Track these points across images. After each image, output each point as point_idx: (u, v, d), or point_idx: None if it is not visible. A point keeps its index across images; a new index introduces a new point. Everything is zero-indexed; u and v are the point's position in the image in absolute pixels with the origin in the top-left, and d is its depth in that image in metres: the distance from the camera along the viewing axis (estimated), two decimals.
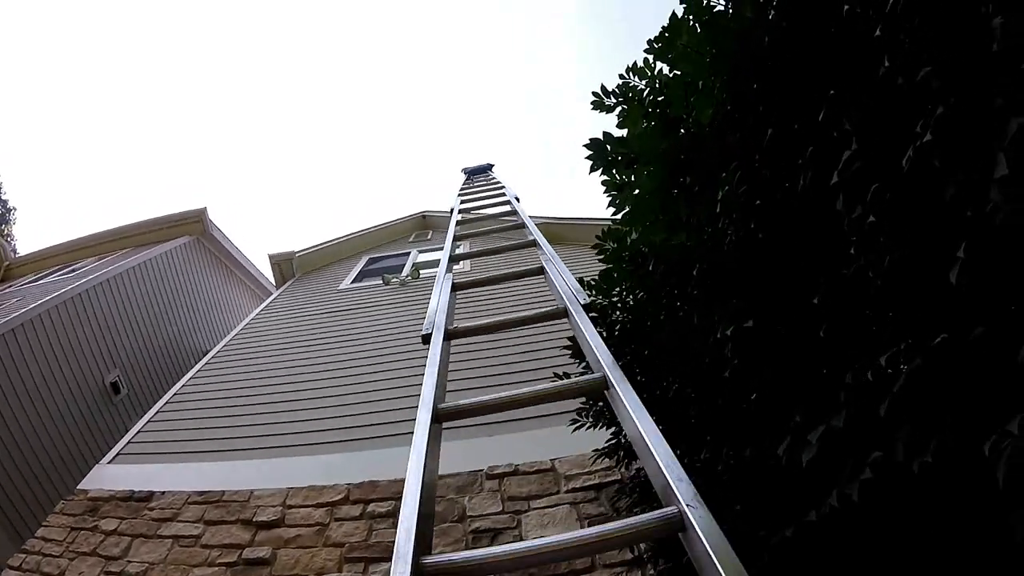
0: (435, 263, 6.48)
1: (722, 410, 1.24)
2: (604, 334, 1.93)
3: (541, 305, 4.41)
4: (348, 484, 3.18)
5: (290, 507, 3.14)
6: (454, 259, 2.38)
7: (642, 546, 2.03)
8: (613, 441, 2.03)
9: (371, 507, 2.99)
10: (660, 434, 0.92)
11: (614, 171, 1.76)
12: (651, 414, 0.97)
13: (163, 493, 3.47)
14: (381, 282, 6.88)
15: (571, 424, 2.18)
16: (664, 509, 0.80)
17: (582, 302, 1.48)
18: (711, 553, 0.68)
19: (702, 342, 1.25)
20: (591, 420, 2.08)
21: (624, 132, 1.91)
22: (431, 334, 1.53)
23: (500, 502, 2.89)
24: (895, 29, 0.90)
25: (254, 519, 3.10)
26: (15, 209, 25.10)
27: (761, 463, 1.11)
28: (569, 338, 1.79)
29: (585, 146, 1.79)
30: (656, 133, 1.58)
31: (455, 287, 1.99)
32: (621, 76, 1.91)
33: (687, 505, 0.76)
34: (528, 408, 3.52)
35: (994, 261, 0.87)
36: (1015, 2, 0.81)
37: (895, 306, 1.01)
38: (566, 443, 2.89)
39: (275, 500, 3.21)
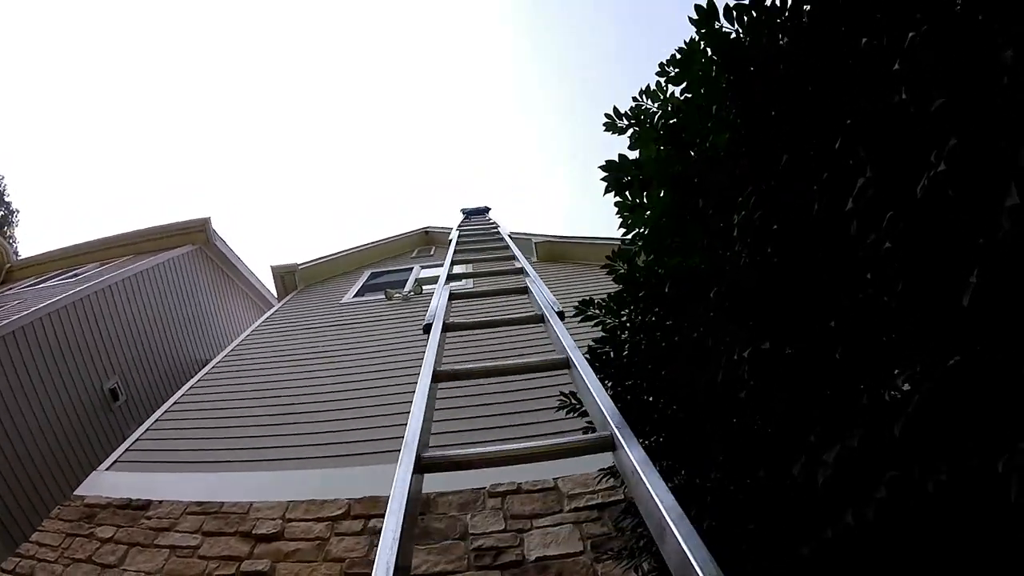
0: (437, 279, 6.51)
1: (736, 430, 1.26)
2: (612, 353, 1.96)
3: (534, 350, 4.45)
4: (349, 499, 3.16)
5: (290, 520, 3.12)
6: (452, 277, 2.74)
7: (644, 565, 2.02)
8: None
9: (372, 522, 2.97)
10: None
11: (627, 193, 1.80)
12: (661, 431, 0.96)
13: (161, 502, 3.42)
14: (384, 297, 6.90)
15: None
16: None
17: (557, 310, 1.82)
18: None
19: (716, 363, 1.27)
20: None
21: (636, 153, 1.95)
22: (432, 324, 1.86)
23: (503, 520, 2.87)
24: (913, 62, 0.94)
25: (253, 531, 3.06)
26: (18, 211, 25.21)
27: (775, 483, 1.12)
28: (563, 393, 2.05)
29: (601, 167, 1.83)
30: (670, 156, 1.62)
31: (452, 295, 2.38)
32: (634, 99, 1.96)
33: None
34: (531, 426, 3.56)
35: (1005, 286, 0.90)
36: None
37: (909, 329, 1.03)
38: (569, 462, 2.90)
39: (275, 513, 3.18)
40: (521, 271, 2.77)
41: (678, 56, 1.82)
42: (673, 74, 1.75)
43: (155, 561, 2.97)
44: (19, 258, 11.24)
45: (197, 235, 9.77)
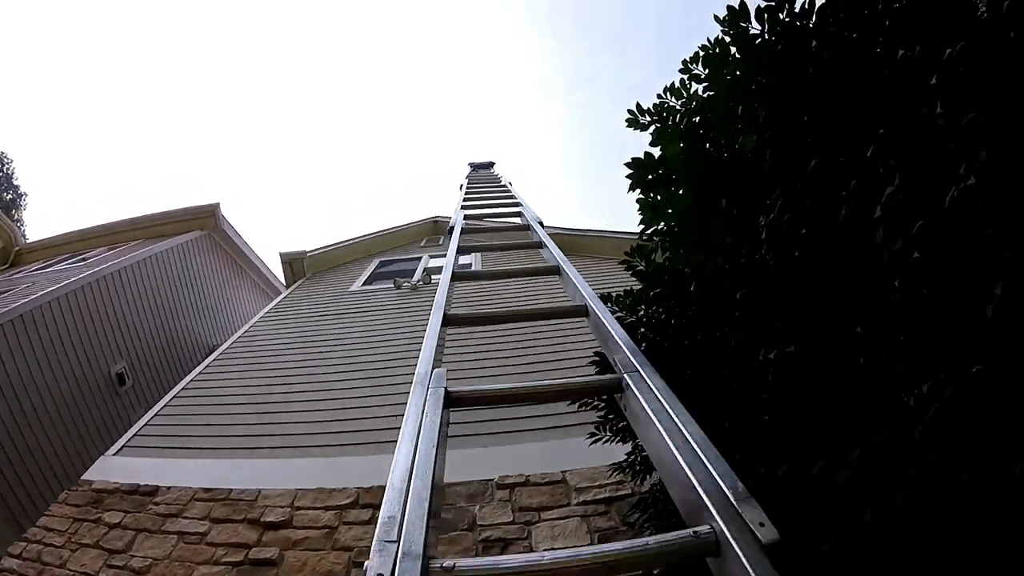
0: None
1: (756, 429, 1.27)
2: None
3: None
4: (358, 487, 3.18)
5: (298, 508, 3.13)
6: (461, 251, 2.77)
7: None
8: (633, 457, 2.06)
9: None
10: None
11: (650, 190, 1.81)
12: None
13: (169, 488, 3.43)
14: (393, 286, 6.90)
15: (589, 437, 2.20)
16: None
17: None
18: None
19: (738, 363, 1.29)
20: (610, 434, 2.11)
21: (657, 150, 1.96)
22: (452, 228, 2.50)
23: (511, 512, 2.90)
24: (948, 76, 0.95)
25: (261, 519, 3.08)
26: (26, 195, 25.29)
27: (794, 481, 1.14)
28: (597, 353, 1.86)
29: (627, 164, 1.84)
30: (695, 155, 1.62)
31: (464, 231, 2.77)
32: (658, 95, 1.96)
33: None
34: (539, 419, 3.58)
35: None
36: None
37: (933, 335, 1.04)
38: (577, 455, 2.92)
39: (283, 500, 3.20)
40: (528, 227, 3.09)
41: (702, 54, 1.82)
42: (699, 73, 1.75)
43: (163, 547, 2.98)
44: (27, 241, 11.27)
45: (206, 221, 9.79)
